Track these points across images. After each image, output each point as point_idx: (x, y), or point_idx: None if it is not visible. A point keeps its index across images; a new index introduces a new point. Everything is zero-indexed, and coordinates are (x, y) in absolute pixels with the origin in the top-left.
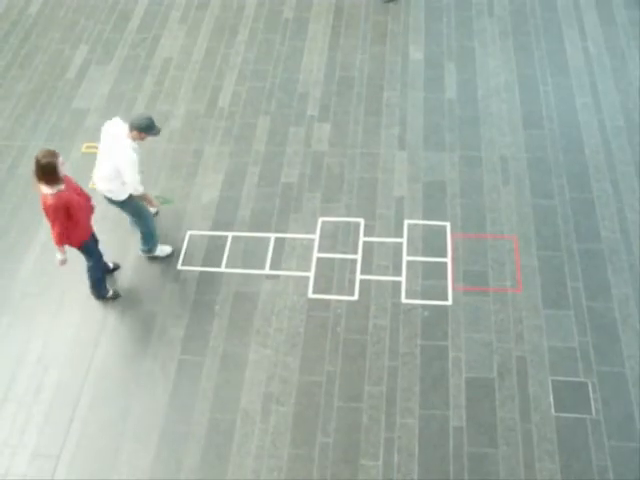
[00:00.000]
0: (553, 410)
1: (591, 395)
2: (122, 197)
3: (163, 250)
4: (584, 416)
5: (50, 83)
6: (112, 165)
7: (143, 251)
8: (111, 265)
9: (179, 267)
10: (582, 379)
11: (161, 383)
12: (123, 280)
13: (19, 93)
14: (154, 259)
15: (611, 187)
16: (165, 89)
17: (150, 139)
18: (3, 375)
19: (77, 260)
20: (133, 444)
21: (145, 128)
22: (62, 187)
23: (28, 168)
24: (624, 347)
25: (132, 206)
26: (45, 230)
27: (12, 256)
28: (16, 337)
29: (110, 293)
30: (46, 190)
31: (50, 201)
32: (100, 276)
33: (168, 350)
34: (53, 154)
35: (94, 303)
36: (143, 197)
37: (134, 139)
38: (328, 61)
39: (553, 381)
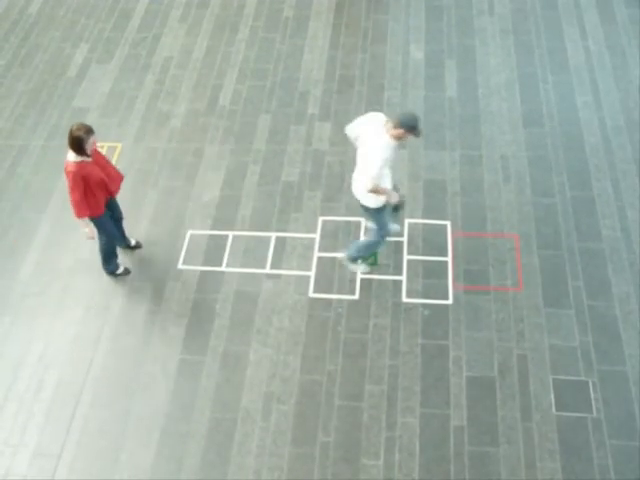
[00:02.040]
0: (554, 409)
1: (592, 394)
2: (370, 204)
3: (361, 269)
4: (585, 415)
5: (50, 82)
6: (366, 161)
7: (349, 257)
8: (133, 242)
9: (180, 266)
10: (583, 378)
11: (162, 382)
12: (123, 280)
13: (19, 92)
14: (153, 260)
15: (612, 185)
16: (166, 88)
17: (152, 139)
18: (4, 375)
19: (78, 259)
20: (134, 443)
21: (412, 128)
22: (88, 160)
23: (28, 167)
24: (625, 346)
25: (379, 217)
26: (45, 230)
27: (12, 256)
28: (17, 337)
29: (121, 270)
30: (70, 157)
31: (70, 168)
32: (110, 252)
33: (169, 349)
34: (86, 131)
35: (94, 302)
36: (380, 191)
37: (397, 137)
38: (329, 60)
39: (554, 380)
